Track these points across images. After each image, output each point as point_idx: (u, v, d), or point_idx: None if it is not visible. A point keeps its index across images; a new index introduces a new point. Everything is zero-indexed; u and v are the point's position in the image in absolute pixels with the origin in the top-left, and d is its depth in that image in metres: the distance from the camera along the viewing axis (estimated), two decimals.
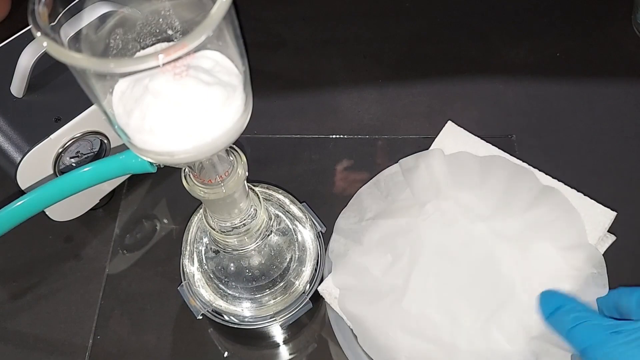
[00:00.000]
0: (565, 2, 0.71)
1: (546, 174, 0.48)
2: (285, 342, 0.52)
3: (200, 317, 0.47)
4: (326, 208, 0.53)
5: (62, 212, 0.54)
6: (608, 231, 0.47)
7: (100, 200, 0.57)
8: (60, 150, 0.50)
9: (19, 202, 0.45)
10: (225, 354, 0.51)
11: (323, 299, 0.48)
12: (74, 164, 0.52)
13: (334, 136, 0.63)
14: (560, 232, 0.45)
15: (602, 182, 0.57)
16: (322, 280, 0.48)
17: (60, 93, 0.51)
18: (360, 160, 0.61)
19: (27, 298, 0.54)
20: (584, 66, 0.66)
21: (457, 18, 0.72)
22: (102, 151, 0.54)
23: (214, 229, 0.41)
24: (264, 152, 0.62)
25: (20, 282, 0.55)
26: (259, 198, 0.42)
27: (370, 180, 0.50)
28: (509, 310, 0.44)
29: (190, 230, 0.49)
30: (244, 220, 0.41)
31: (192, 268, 0.47)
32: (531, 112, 0.63)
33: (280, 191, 0.50)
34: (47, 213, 0.53)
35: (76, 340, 0.52)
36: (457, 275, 0.46)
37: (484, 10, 0.72)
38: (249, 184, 0.41)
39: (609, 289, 0.43)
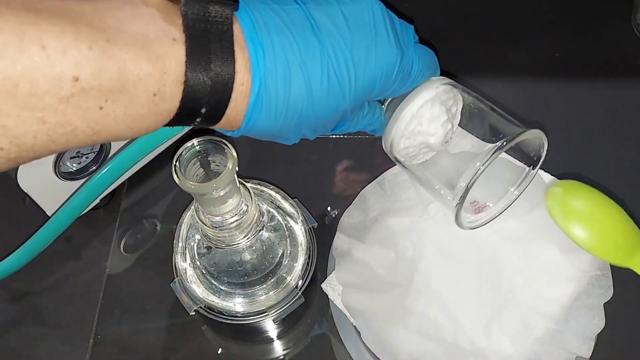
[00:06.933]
0: (565, 2, 0.71)
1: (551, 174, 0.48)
2: (281, 337, 0.52)
3: (193, 314, 0.47)
4: (326, 208, 0.53)
5: None
6: None
7: (100, 200, 0.57)
8: None
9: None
10: (220, 351, 0.52)
11: (317, 294, 0.48)
12: (74, 164, 0.52)
13: (334, 136, 0.63)
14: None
15: (602, 183, 0.57)
16: (314, 275, 0.48)
17: None
18: (360, 161, 0.61)
19: (27, 298, 0.54)
20: (584, 66, 0.66)
21: (456, 18, 0.72)
22: (103, 151, 0.53)
23: (205, 224, 0.41)
24: (264, 152, 0.62)
25: (20, 282, 0.55)
26: (250, 193, 0.42)
27: (375, 180, 0.50)
28: (511, 311, 0.44)
29: (182, 226, 0.49)
30: (235, 215, 0.41)
31: (184, 264, 0.47)
32: (531, 112, 0.63)
33: (272, 187, 0.50)
34: (47, 213, 0.52)
35: (77, 340, 0.52)
36: (459, 276, 0.47)
37: (484, 10, 0.72)
38: (240, 180, 0.41)
39: (613, 291, 0.43)
